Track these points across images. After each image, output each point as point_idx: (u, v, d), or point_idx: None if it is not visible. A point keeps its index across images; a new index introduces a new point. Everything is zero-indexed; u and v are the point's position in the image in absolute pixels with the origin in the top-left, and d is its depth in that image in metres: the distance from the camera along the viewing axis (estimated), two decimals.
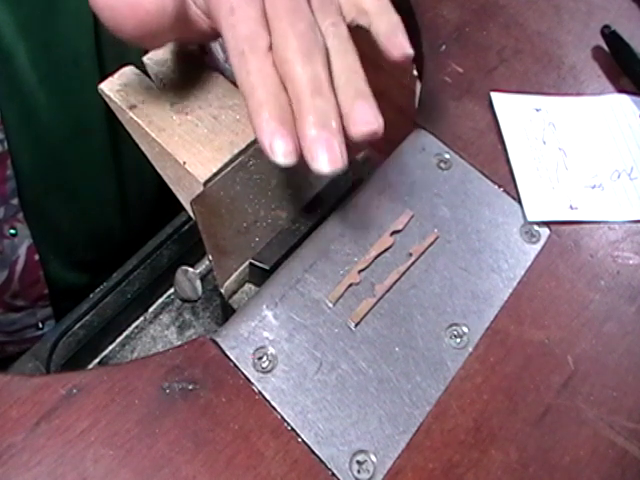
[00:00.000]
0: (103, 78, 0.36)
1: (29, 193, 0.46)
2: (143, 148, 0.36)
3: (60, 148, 0.46)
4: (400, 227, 0.33)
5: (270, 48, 0.30)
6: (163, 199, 0.59)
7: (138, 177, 0.55)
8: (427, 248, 0.33)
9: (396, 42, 0.32)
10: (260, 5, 0.30)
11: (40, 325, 0.54)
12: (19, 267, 0.48)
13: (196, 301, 0.42)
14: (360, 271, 0.31)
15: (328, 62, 0.30)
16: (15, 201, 0.45)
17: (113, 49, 0.46)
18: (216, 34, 0.33)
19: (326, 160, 0.29)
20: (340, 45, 0.31)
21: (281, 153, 0.29)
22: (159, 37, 0.32)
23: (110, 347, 0.47)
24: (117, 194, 0.54)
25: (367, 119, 0.30)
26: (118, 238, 0.57)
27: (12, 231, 0.46)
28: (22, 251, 0.48)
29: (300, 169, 0.35)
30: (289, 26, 0.30)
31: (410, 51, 0.32)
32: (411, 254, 0.33)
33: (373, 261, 0.32)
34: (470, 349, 0.30)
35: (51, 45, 0.41)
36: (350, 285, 0.31)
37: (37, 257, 0.49)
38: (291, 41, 0.29)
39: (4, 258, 0.47)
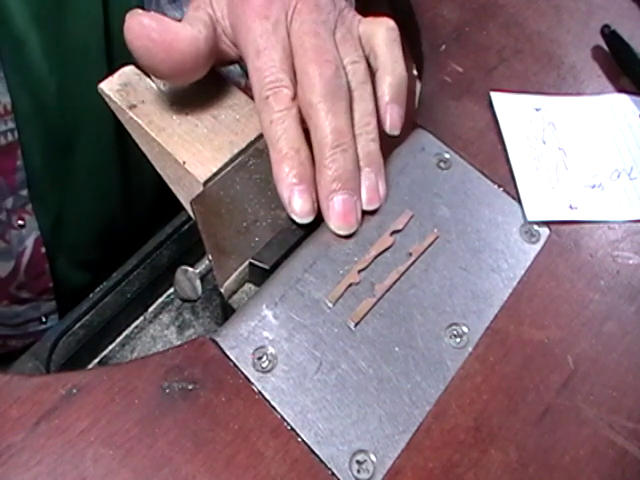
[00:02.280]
0: (111, 73, 0.36)
1: (38, 185, 0.46)
2: (143, 148, 0.36)
3: (68, 140, 0.47)
4: (400, 227, 0.33)
5: (294, 97, 0.31)
6: (164, 197, 0.59)
7: (140, 173, 0.55)
8: (427, 248, 0.33)
9: (389, 117, 0.34)
10: (287, 46, 0.32)
11: (43, 319, 0.54)
12: (25, 259, 0.48)
13: (196, 301, 0.42)
14: (360, 271, 0.31)
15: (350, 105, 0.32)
16: (24, 192, 0.46)
17: (121, 44, 0.46)
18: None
19: (340, 224, 0.31)
20: (357, 88, 0.33)
21: (299, 211, 0.31)
22: (194, 75, 0.33)
23: (110, 347, 0.47)
24: (120, 189, 0.54)
25: (371, 196, 0.33)
26: (121, 236, 0.57)
27: (20, 222, 0.47)
28: (29, 243, 0.48)
29: None
30: (315, 66, 0.31)
31: (396, 133, 0.34)
32: (411, 254, 0.33)
33: (373, 261, 0.32)
34: (470, 349, 0.30)
35: (62, 36, 0.42)
36: (350, 285, 0.31)
37: (43, 250, 0.49)
38: (317, 85, 0.31)
39: (11, 249, 0.47)
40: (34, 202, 0.46)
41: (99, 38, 0.44)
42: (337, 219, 0.31)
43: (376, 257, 0.32)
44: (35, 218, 0.47)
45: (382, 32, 0.34)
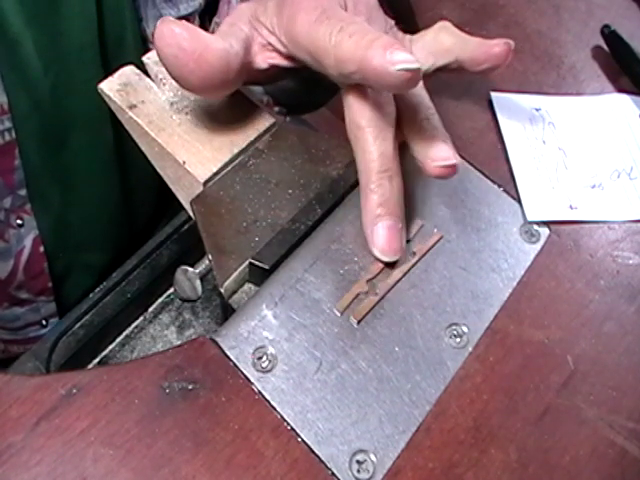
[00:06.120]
0: (105, 71, 0.36)
1: (36, 184, 0.46)
2: (143, 148, 0.36)
3: (64, 139, 0.47)
4: (409, 237, 0.33)
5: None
6: (164, 197, 0.59)
7: (140, 173, 0.55)
8: (431, 248, 0.33)
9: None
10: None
11: (44, 322, 0.54)
12: (24, 258, 0.48)
13: (196, 301, 0.42)
14: (368, 280, 0.31)
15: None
16: (23, 192, 0.46)
17: (116, 44, 0.46)
18: (278, 76, 0.35)
19: (385, 250, 0.31)
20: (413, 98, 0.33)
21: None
22: (222, 90, 0.32)
23: (110, 347, 0.47)
24: (120, 189, 0.54)
25: (445, 155, 0.31)
26: (122, 237, 0.57)
27: (19, 222, 0.47)
28: (28, 242, 0.48)
29: (300, 167, 0.35)
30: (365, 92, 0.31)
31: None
32: (415, 253, 0.33)
33: (382, 270, 0.32)
34: (470, 349, 0.30)
35: (56, 36, 0.42)
36: (358, 294, 0.31)
37: (42, 249, 0.49)
38: (366, 109, 0.31)
39: (10, 248, 0.47)
40: (33, 202, 0.47)
41: (93, 38, 0.44)
42: (382, 245, 0.31)
43: (385, 265, 0.32)
44: (34, 217, 0.47)
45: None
